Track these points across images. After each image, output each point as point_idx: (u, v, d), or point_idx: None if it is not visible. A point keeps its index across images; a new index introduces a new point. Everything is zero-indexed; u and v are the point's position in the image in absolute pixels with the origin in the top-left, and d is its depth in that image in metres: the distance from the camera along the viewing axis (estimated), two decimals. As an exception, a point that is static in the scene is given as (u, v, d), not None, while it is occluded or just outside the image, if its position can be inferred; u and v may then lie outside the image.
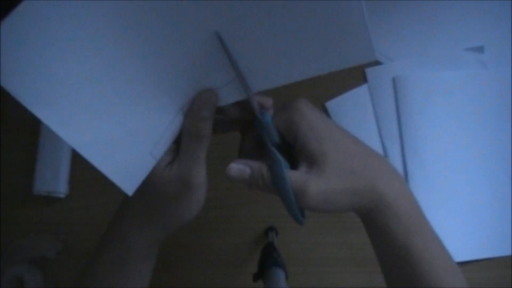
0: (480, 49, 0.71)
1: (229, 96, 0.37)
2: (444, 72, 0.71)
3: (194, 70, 0.35)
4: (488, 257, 0.65)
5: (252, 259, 0.66)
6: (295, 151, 0.39)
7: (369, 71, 0.72)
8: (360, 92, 0.72)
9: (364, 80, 0.72)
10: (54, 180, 0.68)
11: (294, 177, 0.37)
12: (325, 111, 0.71)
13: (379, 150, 0.68)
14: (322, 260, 0.66)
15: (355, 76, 0.72)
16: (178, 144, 0.38)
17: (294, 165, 0.39)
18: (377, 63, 0.72)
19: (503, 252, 0.64)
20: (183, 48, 0.34)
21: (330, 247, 0.67)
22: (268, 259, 0.57)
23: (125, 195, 0.36)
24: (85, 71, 0.31)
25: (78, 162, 0.70)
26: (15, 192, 0.70)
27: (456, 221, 0.66)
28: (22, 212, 0.69)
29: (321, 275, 0.66)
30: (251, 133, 0.42)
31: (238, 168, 0.38)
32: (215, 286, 0.67)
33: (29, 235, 0.67)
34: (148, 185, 0.37)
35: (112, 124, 0.33)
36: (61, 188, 0.68)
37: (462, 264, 0.64)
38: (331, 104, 0.71)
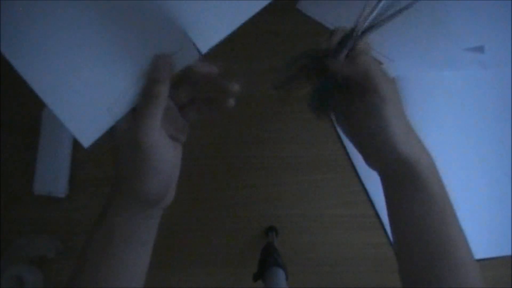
0: (480, 49, 0.71)
1: (183, 60, 0.39)
2: (444, 72, 0.71)
3: (151, 36, 0.38)
4: (488, 257, 0.65)
5: (252, 259, 0.66)
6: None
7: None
8: (360, 92, 0.71)
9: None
10: (54, 180, 0.68)
11: (371, 106, 0.42)
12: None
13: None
14: (322, 260, 0.66)
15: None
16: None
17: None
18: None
19: (503, 252, 0.64)
20: (139, 13, 0.37)
21: (330, 247, 0.67)
22: (268, 259, 0.57)
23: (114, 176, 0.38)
24: (55, 25, 0.36)
25: (78, 162, 0.70)
26: (15, 192, 0.70)
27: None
28: (22, 212, 0.69)
29: (321, 275, 0.66)
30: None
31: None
32: (215, 286, 0.67)
33: (29, 235, 0.67)
34: (115, 154, 0.38)
35: (73, 75, 0.37)
36: (61, 188, 0.68)
37: (462, 264, 0.64)
38: (331, 104, 0.71)
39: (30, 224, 0.69)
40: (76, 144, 0.71)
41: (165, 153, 0.38)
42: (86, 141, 0.38)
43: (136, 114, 0.37)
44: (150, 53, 0.38)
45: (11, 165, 0.71)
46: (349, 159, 0.68)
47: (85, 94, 0.37)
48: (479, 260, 0.64)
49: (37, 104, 0.71)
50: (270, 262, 0.56)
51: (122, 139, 0.38)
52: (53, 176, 0.68)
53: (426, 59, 0.72)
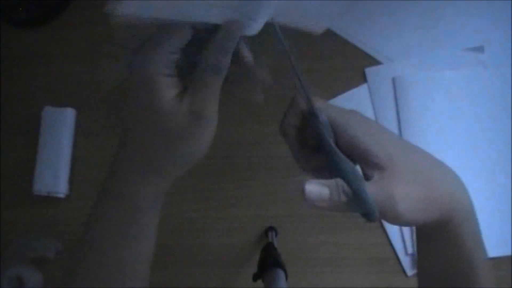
0: (480, 49, 0.71)
1: (251, 29, 0.35)
2: (444, 72, 0.71)
3: None
4: (488, 257, 0.64)
5: (252, 259, 0.66)
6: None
7: (369, 71, 0.72)
8: (360, 92, 0.72)
9: (364, 80, 0.72)
10: (54, 180, 0.68)
11: (372, 186, 0.33)
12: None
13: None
14: (322, 260, 0.66)
15: (355, 76, 0.72)
16: (183, 76, 0.35)
17: None
18: (377, 63, 0.72)
19: (503, 252, 0.64)
20: None
21: (330, 247, 0.67)
22: (268, 259, 0.57)
23: (118, 147, 0.35)
24: None
25: (78, 162, 0.70)
26: (15, 192, 0.70)
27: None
28: (22, 212, 0.69)
29: (321, 275, 0.66)
30: (306, 148, 0.38)
31: (315, 189, 0.33)
32: (215, 286, 0.67)
33: (29, 235, 0.67)
34: (153, 121, 0.34)
35: None
36: (61, 188, 0.68)
37: (462, 264, 0.64)
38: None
39: (30, 224, 0.69)
40: (76, 144, 0.71)
41: (216, 120, 0.36)
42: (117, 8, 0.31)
43: (199, 87, 0.34)
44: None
45: (11, 165, 0.71)
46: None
47: None
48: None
49: (37, 104, 0.72)
50: (270, 262, 0.56)
51: (171, 110, 0.33)
52: (53, 176, 0.68)
53: (426, 59, 0.72)
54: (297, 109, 0.37)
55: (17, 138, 0.72)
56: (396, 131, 0.69)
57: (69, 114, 0.71)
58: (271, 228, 0.66)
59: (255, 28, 0.35)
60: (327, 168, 0.36)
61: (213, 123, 0.35)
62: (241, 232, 0.68)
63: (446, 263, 0.38)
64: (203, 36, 0.35)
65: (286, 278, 0.54)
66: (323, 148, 0.35)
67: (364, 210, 0.33)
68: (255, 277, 0.55)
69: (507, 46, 0.71)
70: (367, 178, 0.34)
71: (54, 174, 0.68)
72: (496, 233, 0.65)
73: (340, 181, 0.33)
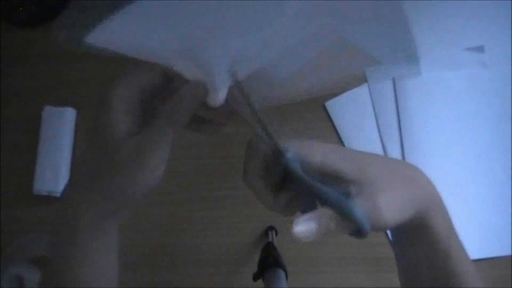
0: (480, 49, 0.71)
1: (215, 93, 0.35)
2: (444, 72, 0.71)
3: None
4: (488, 257, 0.65)
5: (252, 259, 0.66)
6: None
7: (369, 71, 0.72)
8: (360, 92, 0.72)
9: (364, 80, 0.72)
10: (54, 180, 0.68)
11: (357, 201, 0.33)
12: (325, 111, 0.71)
13: (379, 150, 0.68)
14: (322, 260, 0.66)
15: (355, 76, 0.72)
16: (143, 114, 0.36)
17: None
18: (378, 63, 0.72)
19: (503, 252, 0.64)
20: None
21: (330, 247, 0.67)
22: (268, 259, 0.57)
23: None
24: None
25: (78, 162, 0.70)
26: (15, 192, 0.70)
27: (456, 221, 0.65)
28: (22, 212, 0.69)
29: (321, 275, 0.66)
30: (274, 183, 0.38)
31: (303, 228, 0.33)
32: (215, 286, 0.67)
33: (29, 235, 0.67)
34: (101, 146, 0.35)
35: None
36: (61, 188, 0.68)
37: (462, 264, 0.64)
38: (331, 104, 0.71)
39: (30, 224, 0.69)
40: (76, 144, 0.71)
41: (164, 166, 0.36)
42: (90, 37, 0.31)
43: (154, 135, 0.34)
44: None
45: (11, 165, 0.71)
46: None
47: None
48: (479, 260, 0.64)
49: (37, 104, 0.72)
50: (270, 262, 0.56)
51: (122, 145, 0.34)
52: (53, 176, 0.68)
53: (426, 59, 0.72)
54: (259, 156, 0.37)
55: (17, 138, 0.72)
56: (396, 131, 0.69)
57: (69, 114, 0.71)
58: (271, 228, 0.66)
59: (222, 94, 0.35)
60: (300, 200, 0.37)
61: (157, 169, 0.35)
62: (241, 232, 0.68)
63: (424, 258, 0.39)
64: (174, 87, 0.35)
65: (286, 278, 0.54)
66: (297, 183, 0.35)
67: (355, 227, 0.33)
68: (255, 277, 0.55)
69: (507, 46, 0.71)
70: (346, 196, 0.34)
71: (54, 174, 0.68)
72: (496, 233, 0.65)
73: (324, 210, 0.34)
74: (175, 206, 0.69)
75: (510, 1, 0.72)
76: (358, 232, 0.33)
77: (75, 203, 0.36)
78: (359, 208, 0.33)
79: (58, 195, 0.68)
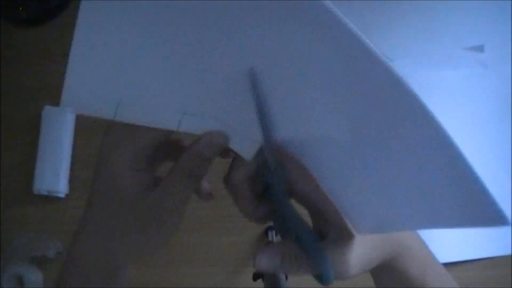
0: (480, 49, 0.71)
1: (242, 145, 0.33)
2: (444, 72, 0.71)
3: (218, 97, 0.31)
4: (488, 257, 0.65)
5: (252, 259, 0.66)
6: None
7: (369, 71, 0.72)
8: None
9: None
10: (54, 180, 0.68)
11: (330, 248, 0.32)
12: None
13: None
14: (322, 260, 0.66)
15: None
16: (151, 167, 0.34)
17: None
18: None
19: (503, 252, 0.64)
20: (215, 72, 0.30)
21: (330, 247, 0.67)
22: (268, 259, 0.56)
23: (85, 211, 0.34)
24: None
25: (78, 162, 0.70)
26: (15, 192, 0.70)
27: (456, 221, 0.66)
28: (22, 211, 0.69)
29: (321, 275, 0.66)
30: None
31: (266, 262, 0.33)
32: (214, 286, 0.67)
33: (29, 235, 0.67)
34: (116, 209, 0.33)
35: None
36: (61, 188, 0.68)
37: (462, 263, 0.64)
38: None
39: (30, 223, 0.69)
40: (76, 144, 0.71)
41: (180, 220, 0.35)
42: (67, 100, 0.31)
43: (170, 190, 0.33)
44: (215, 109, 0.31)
45: (11, 164, 0.71)
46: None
47: (113, 67, 0.31)
48: (479, 260, 0.64)
49: (37, 104, 0.72)
50: (270, 261, 0.56)
51: (136, 200, 0.32)
52: (53, 176, 0.68)
53: (426, 59, 0.72)
54: (250, 163, 0.34)
55: (17, 137, 0.72)
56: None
57: (69, 114, 0.71)
58: (271, 228, 0.66)
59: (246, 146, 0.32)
60: (276, 219, 0.36)
61: (173, 227, 0.34)
62: (241, 231, 0.68)
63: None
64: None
65: (286, 278, 0.54)
66: (276, 203, 0.35)
67: (318, 273, 0.32)
68: (255, 277, 0.55)
69: (507, 46, 0.71)
70: (322, 235, 0.34)
71: (54, 173, 0.68)
72: (496, 233, 0.65)
73: (292, 248, 0.33)
74: (175, 206, 0.69)
75: (510, 1, 0.72)
76: (321, 278, 0.32)
77: (84, 262, 0.34)
78: (330, 262, 0.32)
79: (58, 194, 0.68)
